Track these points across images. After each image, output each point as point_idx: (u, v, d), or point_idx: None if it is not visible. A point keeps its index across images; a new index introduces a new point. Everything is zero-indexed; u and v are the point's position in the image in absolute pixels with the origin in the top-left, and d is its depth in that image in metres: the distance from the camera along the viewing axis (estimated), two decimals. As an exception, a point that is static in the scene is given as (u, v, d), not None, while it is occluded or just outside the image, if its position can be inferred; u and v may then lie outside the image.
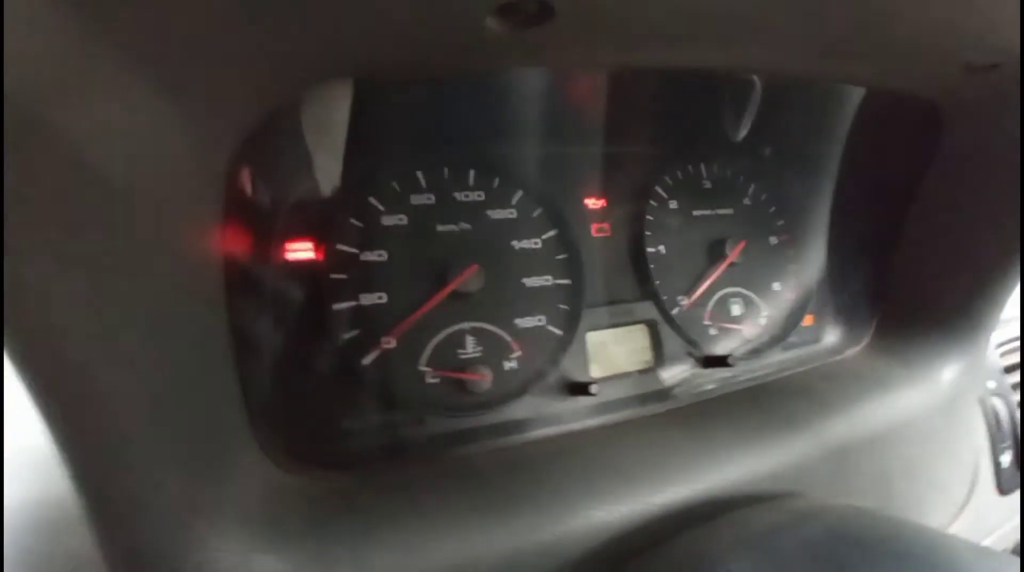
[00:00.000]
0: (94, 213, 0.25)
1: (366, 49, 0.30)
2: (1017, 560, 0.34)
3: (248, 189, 0.42)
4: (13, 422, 0.42)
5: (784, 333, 0.70)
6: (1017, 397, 0.79)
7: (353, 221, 0.54)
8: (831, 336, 0.73)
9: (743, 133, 0.64)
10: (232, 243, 0.37)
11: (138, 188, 0.26)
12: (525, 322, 0.58)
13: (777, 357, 0.68)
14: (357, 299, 0.53)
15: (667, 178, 0.68)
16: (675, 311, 0.65)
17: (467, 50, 0.31)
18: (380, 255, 0.54)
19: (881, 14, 0.35)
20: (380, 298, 0.54)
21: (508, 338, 0.57)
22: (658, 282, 0.64)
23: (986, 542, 0.69)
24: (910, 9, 0.34)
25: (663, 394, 0.61)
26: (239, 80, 0.29)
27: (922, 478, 0.59)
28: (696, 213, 0.69)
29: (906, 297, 0.66)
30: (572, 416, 0.56)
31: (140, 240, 0.27)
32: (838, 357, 0.67)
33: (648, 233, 0.65)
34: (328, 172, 0.53)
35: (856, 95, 0.62)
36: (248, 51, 0.27)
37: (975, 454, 0.69)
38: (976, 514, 0.66)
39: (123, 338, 0.27)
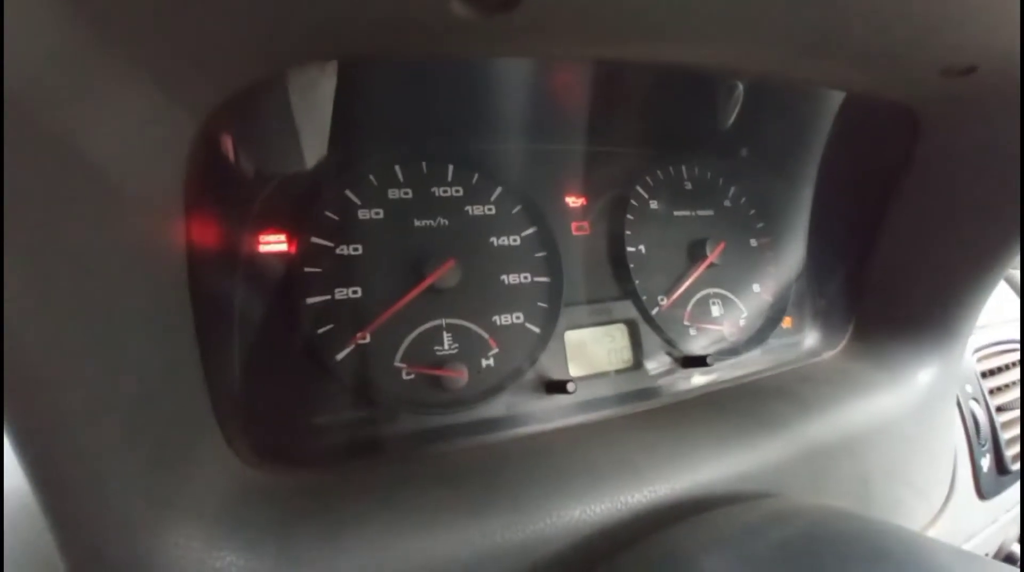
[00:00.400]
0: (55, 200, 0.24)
1: (330, 30, 0.29)
2: (999, 565, 0.33)
3: (213, 178, 0.41)
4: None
5: (763, 335, 0.71)
6: (995, 402, 0.80)
7: (328, 214, 0.53)
8: (810, 338, 0.73)
9: (730, 121, 0.64)
10: (198, 233, 0.36)
11: (98, 174, 0.26)
12: (503, 319, 0.58)
13: (756, 358, 0.68)
14: (331, 293, 0.52)
15: (648, 178, 0.68)
16: (655, 311, 0.65)
17: (433, 34, 0.30)
18: (355, 249, 0.54)
19: (854, 15, 0.35)
20: (355, 293, 0.53)
21: (485, 335, 0.56)
22: (638, 281, 0.64)
23: (966, 547, 0.69)
24: (885, 11, 0.34)
25: (642, 394, 0.61)
26: (198, 62, 0.28)
27: (900, 480, 0.59)
28: (677, 213, 0.70)
29: (882, 300, 0.67)
30: (549, 415, 0.55)
31: (95, 228, 0.26)
32: (816, 359, 0.67)
33: (628, 232, 0.65)
34: (304, 164, 0.52)
35: (835, 100, 0.63)
36: (210, 28, 0.26)
37: (953, 457, 0.69)
38: (955, 518, 0.66)
39: (78, 327, 0.26)
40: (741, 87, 0.61)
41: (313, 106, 0.45)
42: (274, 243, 0.51)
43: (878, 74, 0.46)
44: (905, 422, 0.59)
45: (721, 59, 0.40)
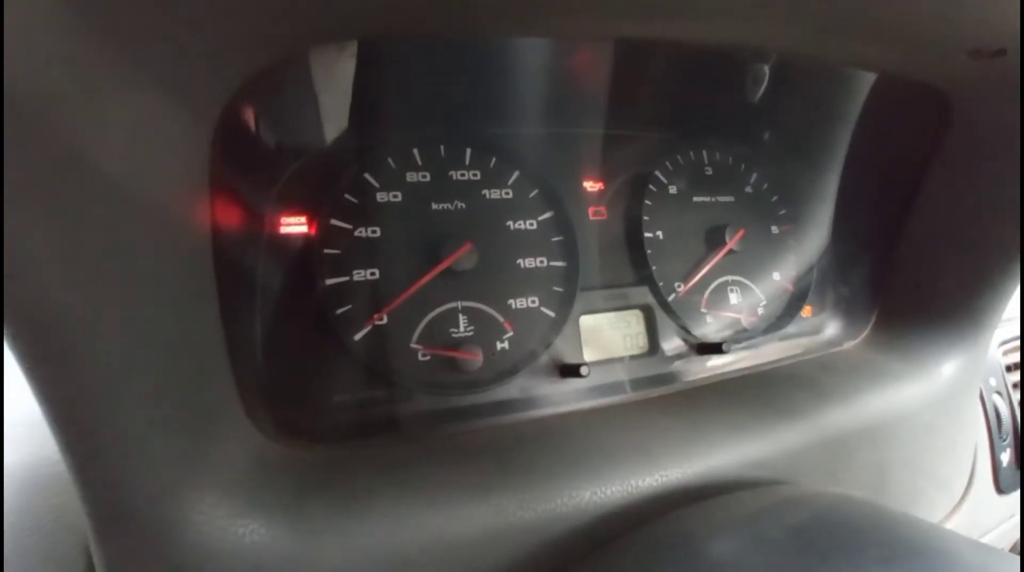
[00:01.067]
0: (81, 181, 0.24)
1: (344, 8, 0.29)
2: (1016, 558, 0.33)
3: (237, 158, 0.41)
4: (13, 383, 0.43)
5: (782, 323, 0.70)
6: (1018, 396, 0.78)
7: (347, 197, 0.54)
8: (830, 327, 0.72)
9: (755, 100, 0.62)
10: (222, 213, 0.37)
11: (122, 169, 0.26)
12: (518, 303, 0.58)
13: (774, 347, 0.68)
14: (350, 275, 0.53)
15: (667, 163, 0.67)
16: (671, 297, 0.64)
17: (451, 11, 0.30)
18: (374, 231, 0.54)
19: None
20: (372, 274, 0.53)
21: (501, 318, 0.57)
22: (655, 267, 0.63)
23: (983, 541, 0.68)
24: None
25: (657, 379, 0.61)
26: (214, 47, 0.28)
27: (919, 471, 0.58)
28: (696, 199, 0.69)
29: (907, 290, 0.65)
30: (563, 398, 0.56)
31: (125, 205, 0.27)
32: (837, 349, 0.66)
33: (646, 217, 0.64)
34: (324, 140, 0.52)
35: (863, 83, 0.61)
36: (225, 9, 0.26)
37: (973, 450, 0.68)
38: (973, 511, 0.65)
39: (105, 299, 0.27)
40: (766, 68, 0.59)
41: (334, 83, 0.45)
42: (295, 225, 0.52)
43: (905, 53, 0.44)
44: (927, 413, 0.58)
45: (744, 36, 0.40)
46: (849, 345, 0.67)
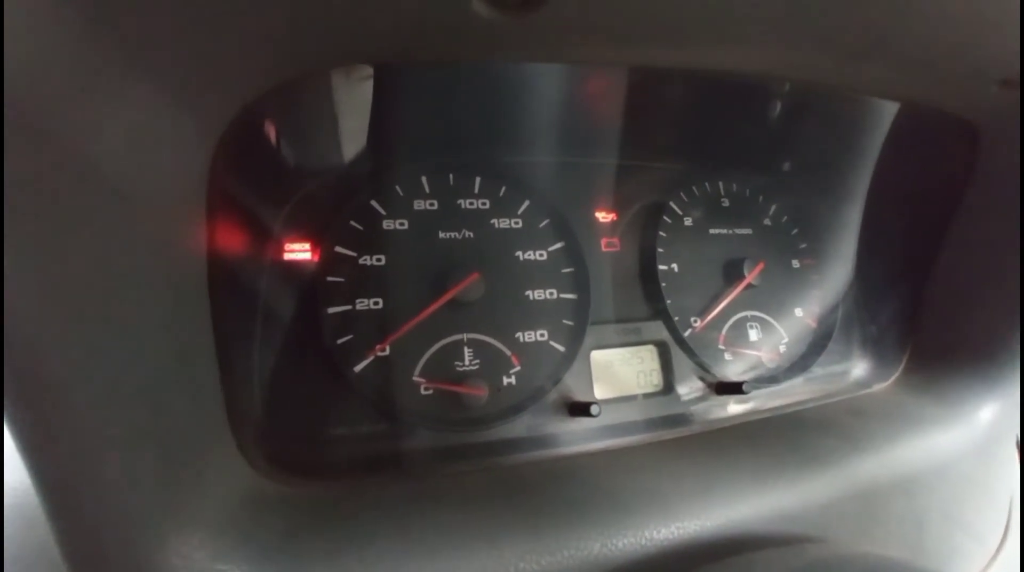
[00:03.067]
0: (73, 205, 0.24)
1: (350, 33, 0.28)
2: None
3: (236, 185, 0.41)
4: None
5: (806, 362, 0.66)
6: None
7: (353, 223, 0.53)
8: (858, 368, 0.68)
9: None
10: (221, 237, 0.36)
11: (117, 180, 0.26)
12: (527, 336, 0.56)
13: (798, 388, 0.64)
14: (352, 303, 0.51)
15: (682, 193, 0.66)
16: (687, 333, 0.62)
17: (456, 36, 0.30)
18: (378, 259, 0.53)
19: (902, 17, 0.32)
20: (376, 304, 0.52)
21: (508, 352, 0.55)
22: (669, 301, 0.61)
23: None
24: (933, 14, 0.32)
25: (672, 420, 0.58)
26: (215, 67, 0.28)
27: (957, 524, 0.54)
28: (713, 231, 0.67)
29: (940, 329, 0.62)
30: (572, 438, 0.53)
31: (116, 231, 0.26)
32: (866, 391, 0.63)
33: (660, 249, 0.62)
34: (342, 159, 0.52)
35: (887, 112, 0.60)
36: (226, 32, 0.26)
37: (1010, 500, 0.63)
38: (1007, 564, 0.60)
39: (85, 322, 0.25)
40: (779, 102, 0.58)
41: (354, 105, 0.45)
42: (298, 251, 0.51)
43: (934, 82, 0.43)
44: (965, 461, 0.54)
45: (762, 64, 0.38)
46: (879, 387, 0.63)
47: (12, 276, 0.22)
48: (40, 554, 0.37)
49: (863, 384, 0.65)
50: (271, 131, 0.44)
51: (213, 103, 0.30)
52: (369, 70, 0.44)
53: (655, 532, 0.39)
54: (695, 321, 0.63)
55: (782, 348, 0.67)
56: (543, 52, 0.34)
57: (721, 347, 0.63)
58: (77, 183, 0.24)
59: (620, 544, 0.38)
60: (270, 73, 0.31)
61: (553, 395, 0.55)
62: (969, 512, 0.55)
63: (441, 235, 0.55)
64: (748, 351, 0.64)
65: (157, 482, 0.29)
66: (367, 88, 0.45)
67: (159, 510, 0.29)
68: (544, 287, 0.58)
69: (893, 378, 0.63)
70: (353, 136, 0.50)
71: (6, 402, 0.25)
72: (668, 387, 0.60)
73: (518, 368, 0.55)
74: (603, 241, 0.62)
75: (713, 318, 0.63)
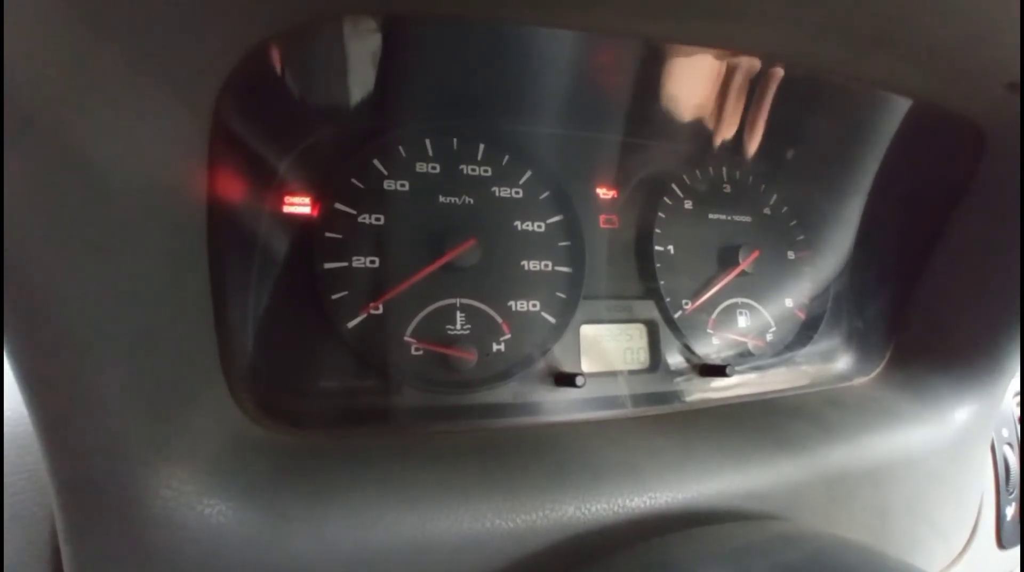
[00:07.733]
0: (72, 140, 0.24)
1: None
2: None
3: (240, 128, 0.41)
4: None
5: (791, 352, 0.67)
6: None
7: (354, 181, 0.53)
8: (842, 361, 0.69)
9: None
10: (222, 184, 0.36)
11: (118, 115, 0.25)
12: (519, 305, 0.56)
13: (780, 376, 0.65)
14: (349, 261, 0.52)
15: (684, 176, 0.66)
16: (677, 314, 0.62)
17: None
18: (377, 219, 0.53)
19: (910, 5, 0.32)
20: (372, 262, 0.52)
21: (499, 319, 0.55)
22: (663, 282, 0.62)
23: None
24: (940, 6, 0.32)
25: (654, 397, 0.59)
26: (231, 5, 0.27)
27: (921, 519, 0.56)
28: (711, 216, 0.67)
29: (925, 329, 0.63)
30: (555, 408, 0.54)
31: (116, 167, 0.26)
32: (846, 384, 0.64)
33: (658, 230, 0.63)
34: (349, 103, 0.51)
35: (896, 109, 0.59)
36: None
37: (979, 502, 0.65)
38: (972, 564, 0.62)
39: (85, 248, 0.26)
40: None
41: (363, 57, 0.44)
42: (298, 205, 0.51)
43: (940, 79, 0.43)
44: (936, 459, 0.56)
45: (771, 45, 0.38)
46: (860, 381, 0.64)
47: (12, 213, 0.23)
48: (28, 477, 0.38)
49: (845, 377, 0.66)
50: (278, 76, 0.43)
51: (218, 44, 0.30)
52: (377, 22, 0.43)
53: (628, 500, 0.40)
54: (686, 303, 0.64)
55: (769, 336, 0.68)
56: (558, 18, 0.33)
57: (709, 330, 0.64)
58: (76, 118, 0.24)
59: (593, 509, 0.39)
60: (278, 16, 0.30)
61: (540, 364, 0.56)
62: (935, 509, 0.57)
63: (441, 199, 0.55)
64: (735, 336, 0.65)
65: (149, 413, 0.30)
66: (376, 41, 0.45)
67: (149, 440, 0.30)
68: (540, 258, 0.58)
69: (874, 373, 0.65)
70: (359, 89, 0.50)
71: (6, 329, 0.25)
72: (654, 365, 0.61)
73: (508, 336, 0.55)
74: (602, 217, 0.62)
75: (704, 302, 0.64)
